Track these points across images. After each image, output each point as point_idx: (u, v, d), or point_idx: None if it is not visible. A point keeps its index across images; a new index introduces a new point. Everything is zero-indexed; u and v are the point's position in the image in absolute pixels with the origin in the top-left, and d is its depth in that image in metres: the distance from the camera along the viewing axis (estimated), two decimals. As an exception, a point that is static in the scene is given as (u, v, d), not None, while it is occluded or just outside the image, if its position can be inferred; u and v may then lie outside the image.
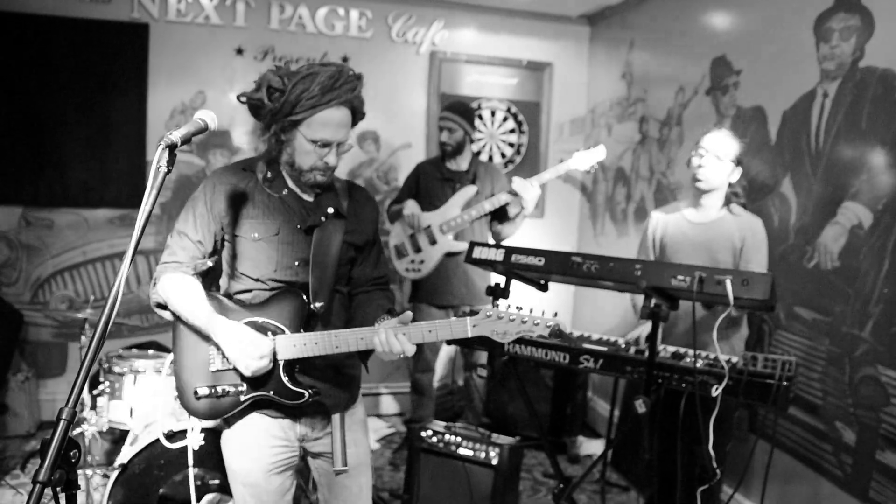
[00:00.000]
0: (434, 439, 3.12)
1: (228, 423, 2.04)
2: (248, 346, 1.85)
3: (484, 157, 4.98)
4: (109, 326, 1.37)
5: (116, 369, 3.11)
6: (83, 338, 3.19)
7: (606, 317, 4.61)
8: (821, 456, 2.94)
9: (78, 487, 1.34)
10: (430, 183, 4.01)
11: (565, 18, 5.02)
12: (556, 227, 5.20)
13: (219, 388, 1.92)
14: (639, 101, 4.45)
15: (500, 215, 3.94)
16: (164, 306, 2.01)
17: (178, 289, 1.96)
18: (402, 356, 1.85)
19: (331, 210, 2.02)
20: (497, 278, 2.84)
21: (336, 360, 2.02)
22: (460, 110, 3.96)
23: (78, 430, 3.04)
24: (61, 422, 1.27)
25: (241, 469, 2.03)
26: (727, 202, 2.91)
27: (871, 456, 2.70)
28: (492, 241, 4.03)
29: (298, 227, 1.98)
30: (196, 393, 1.93)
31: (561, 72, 5.08)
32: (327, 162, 1.91)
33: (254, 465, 2.01)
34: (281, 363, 1.92)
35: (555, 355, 2.65)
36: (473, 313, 1.88)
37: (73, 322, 4.34)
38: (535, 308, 1.82)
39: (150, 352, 3.50)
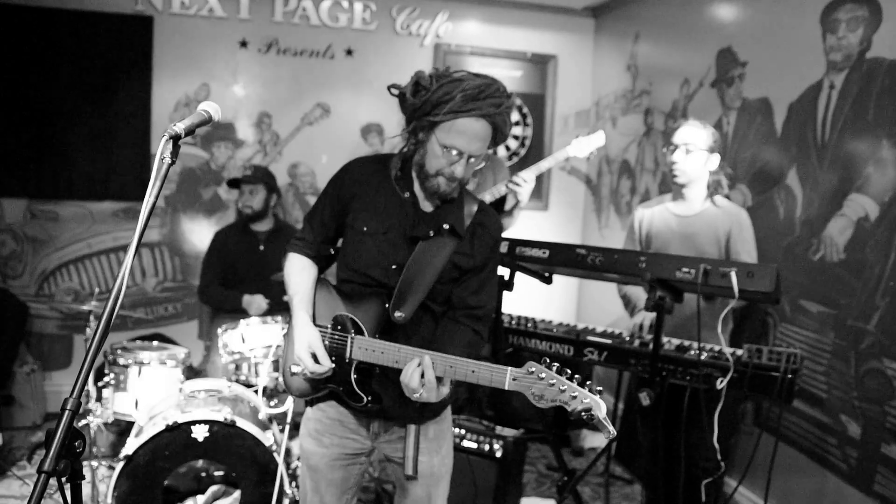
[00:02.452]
0: (438, 431, 3.12)
1: (311, 403, 2.06)
2: (307, 353, 1.90)
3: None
4: (114, 318, 1.37)
5: (121, 361, 3.12)
6: (88, 330, 3.20)
7: (611, 309, 4.60)
8: (825, 449, 2.93)
9: (83, 478, 1.34)
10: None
11: (570, 10, 4.99)
12: (561, 219, 5.19)
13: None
14: (644, 94, 4.43)
15: (496, 209, 3.93)
16: None
17: (294, 270, 2.04)
18: (418, 397, 1.79)
19: (447, 226, 1.95)
20: (501, 270, 2.83)
21: None
22: None
23: (83, 422, 3.06)
24: (66, 412, 1.27)
25: (308, 450, 2.06)
26: (712, 192, 2.91)
27: (876, 449, 2.69)
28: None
29: (406, 233, 1.95)
30: (290, 369, 1.99)
31: (565, 64, 5.06)
32: (453, 171, 1.87)
33: (320, 451, 2.04)
34: (354, 362, 1.92)
35: (559, 348, 2.65)
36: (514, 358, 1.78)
37: (78, 314, 4.35)
38: (578, 378, 1.66)
39: (155, 343, 3.51)
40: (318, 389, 1.99)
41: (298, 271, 2.04)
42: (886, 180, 2.66)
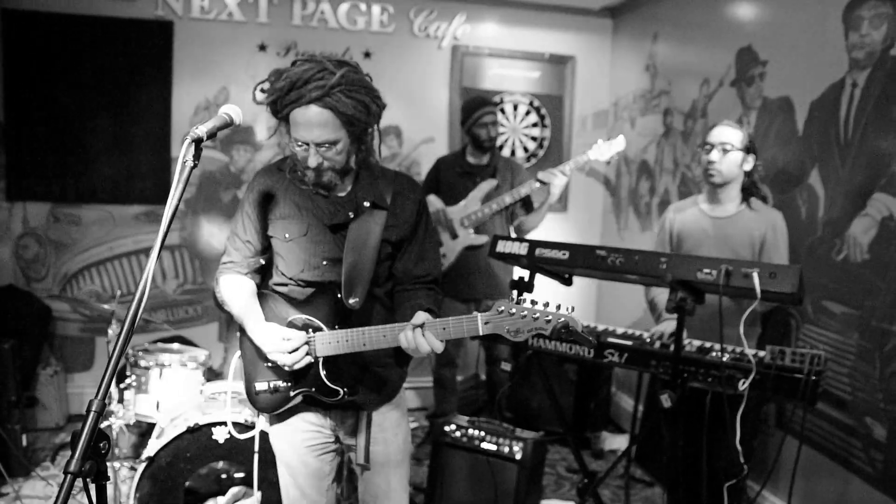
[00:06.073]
0: (457, 434, 3.12)
1: (280, 418, 2.10)
2: (280, 343, 1.91)
3: (506, 152, 4.96)
4: (138, 320, 1.38)
5: (143, 363, 3.15)
6: (110, 332, 3.22)
7: (630, 311, 4.58)
8: (850, 452, 2.89)
9: (108, 478, 1.35)
10: (451, 177, 4.01)
11: (588, 11, 4.98)
12: (579, 221, 5.17)
13: (272, 384, 1.99)
14: (663, 94, 4.40)
15: (524, 206, 3.93)
16: None
17: (229, 291, 2.04)
18: (430, 353, 1.81)
19: (367, 203, 1.96)
20: (521, 272, 2.82)
21: (369, 361, 2.02)
22: (494, 104, 4.00)
23: (105, 424, 3.08)
24: (91, 413, 1.28)
25: (279, 449, 2.13)
26: (747, 194, 2.86)
27: (902, 452, 2.65)
28: (514, 236, 4.01)
29: (326, 224, 1.96)
30: (255, 388, 2.01)
31: (583, 65, 5.05)
32: (307, 162, 1.87)
33: (289, 447, 2.10)
34: (320, 360, 1.95)
35: (579, 349, 2.63)
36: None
37: (99, 316, 4.39)
38: (551, 303, 1.70)
39: (176, 346, 3.53)
40: (288, 400, 2.00)
41: (236, 290, 2.04)
42: (911, 179, 2.62)
